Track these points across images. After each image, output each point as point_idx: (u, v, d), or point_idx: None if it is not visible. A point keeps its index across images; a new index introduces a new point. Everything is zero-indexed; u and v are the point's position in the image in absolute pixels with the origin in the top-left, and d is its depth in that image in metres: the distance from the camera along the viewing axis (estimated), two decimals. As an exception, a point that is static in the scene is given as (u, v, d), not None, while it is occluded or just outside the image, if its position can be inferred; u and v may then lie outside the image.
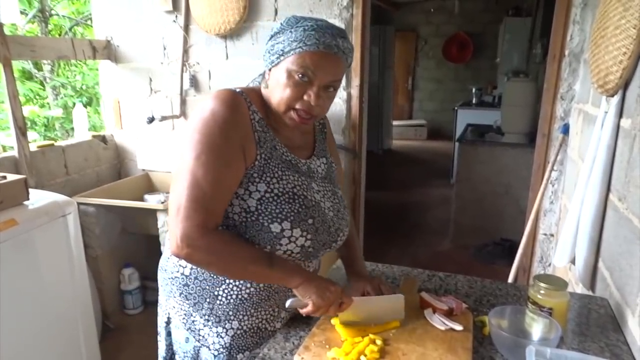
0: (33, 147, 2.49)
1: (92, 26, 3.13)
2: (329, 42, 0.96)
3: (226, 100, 0.98)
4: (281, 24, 0.99)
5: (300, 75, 0.97)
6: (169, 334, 1.17)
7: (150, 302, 2.84)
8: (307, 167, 1.11)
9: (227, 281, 1.07)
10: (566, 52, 2.23)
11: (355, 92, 2.69)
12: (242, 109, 1.00)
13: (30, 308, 1.76)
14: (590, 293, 1.46)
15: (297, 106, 1.00)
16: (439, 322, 1.09)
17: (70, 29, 4.77)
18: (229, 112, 0.96)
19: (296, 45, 0.95)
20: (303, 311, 1.03)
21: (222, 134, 0.95)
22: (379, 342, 1.01)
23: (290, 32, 0.96)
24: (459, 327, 1.07)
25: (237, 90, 1.02)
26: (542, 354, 0.91)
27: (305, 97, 0.99)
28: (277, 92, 1.00)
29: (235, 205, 1.01)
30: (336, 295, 1.03)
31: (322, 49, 0.95)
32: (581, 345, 1.06)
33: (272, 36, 1.00)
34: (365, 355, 0.97)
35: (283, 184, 1.02)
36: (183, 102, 2.91)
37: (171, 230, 0.95)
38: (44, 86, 4.60)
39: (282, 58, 0.97)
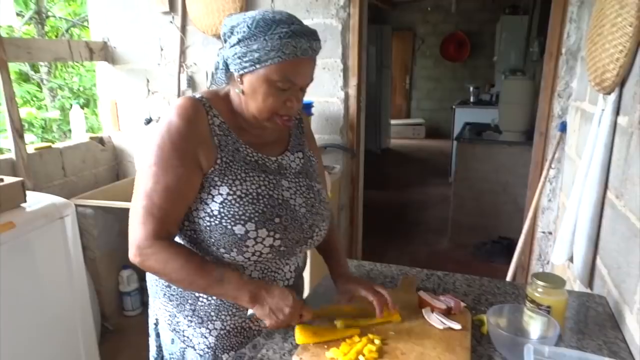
0: (30, 149, 2.48)
1: (88, 27, 3.12)
2: (306, 47, 0.95)
3: (182, 110, 0.99)
4: (248, 26, 0.94)
5: (280, 84, 0.98)
6: (157, 335, 1.18)
7: (149, 304, 2.84)
8: (277, 164, 1.10)
9: None
10: (563, 50, 2.24)
11: (352, 91, 2.69)
12: (199, 117, 1.01)
13: (29, 310, 1.76)
14: (588, 291, 1.46)
15: (280, 112, 1.02)
16: (437, 321, 1.09)
17: (67, 31, 4.77)
18: (183, 123, 0.98)
19: (274, 54, 0.93)
20: (263, 326, 1.04)
21: (173, 146, 0.97)
22: (377, 341, 1.01)
23: (265, 39, 0.93)
24: (457, 326, 1.07)
25: (197, 96, 1.03)
26: (541, 353, 0.91)
27: (288, 104, 1.01)
28: (257, 101, 1.00)
29: (199, 210, 1.01)
30: (292, 312, 1.00)
31: (300, 55, 0.95)
32: (579, 343, 1.06)
33: (240, 40, 0.95)
34: (364, 355, 0.96)
35: (247, 185, 1.02)
36: (180, 103, 2.91)
37: (128, 237, 1.00)
38: (41, 88, 4.60)
39: (257, 66, 0.96)
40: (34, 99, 4.56)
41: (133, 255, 0.99)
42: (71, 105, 3.30)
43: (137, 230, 0.97)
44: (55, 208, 1.86)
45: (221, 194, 1.00)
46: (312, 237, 1.12)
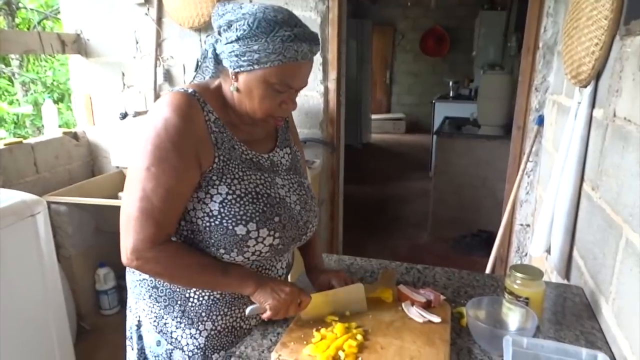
0: (0, 145, 2.40)
1: (61, 20, 3.03)
2: (306, 51, 0.94)
3: (179, 106, 0.95)
4: (249, 25, 0.91)
5: (278, 87, 0.96)
6: (140, 337, 1.14)
7: (126, 302, 2.79)
8: (269, 162, 1.09)
9: None
10: (540, 45, 2.26)
11: (332, 85, 2.67)
12: (196, 114, 0.97)
13: (-1, 311, 1.70)
14: (565, 282, 1.48)
15: (275, 114, 1.01)
16: (417, 315, 1.09)
17: (39, 23, 4.63)
18: (181, 120, 0.94)
19: (275, 57, 0.92)
20: (263, 316, 1.03)
21: (173, 145, 0.93)
22: (359, 337, 1.00)
23: (266, 41, 0.91)
24: (437, 319, 1.07)
25: (190, 90, 0.99)
26: (519, 344, 0.91)
27: (283, 106, 1.00)
28: (252, 101, 0.98)
29: (197, 210, 0.99)
30: (292, 296, 1.02)
31: (300, 59, 0.94)
32: (557, 334, 1.07)
33: (239, 38, 0.92)
34: (344, 351, 0.96)
35: (245, 184, 1.01)
36: (157, 98, 2.85)
37: (122, 241, 0.97)
38: (12, 82, 4.47)
39: (256, 67, 0.94)
40: (6, 93, 4.42)
41: (129, 260, 0.96)
42: (44, 99, 3.21)
43: (135, 234, 0.94)
44: (26, 205, 1.80)
45: (220, 194, 0.98)
46: (306, 233, 1.13)
